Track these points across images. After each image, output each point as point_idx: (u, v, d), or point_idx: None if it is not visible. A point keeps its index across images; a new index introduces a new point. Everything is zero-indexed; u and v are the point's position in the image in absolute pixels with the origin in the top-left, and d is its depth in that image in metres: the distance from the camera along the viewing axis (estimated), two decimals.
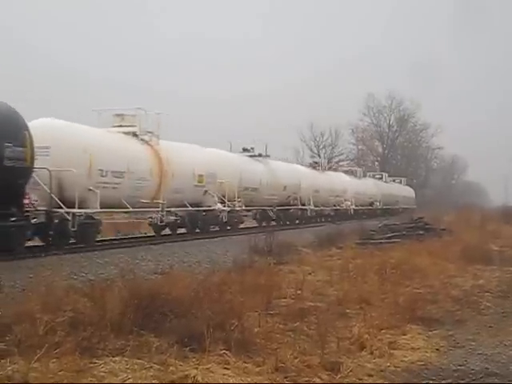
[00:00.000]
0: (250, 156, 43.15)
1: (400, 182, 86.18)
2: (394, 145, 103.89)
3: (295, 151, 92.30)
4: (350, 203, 59.68)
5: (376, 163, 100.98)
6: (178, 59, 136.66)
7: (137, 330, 9.97)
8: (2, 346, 9.03)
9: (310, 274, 17.20)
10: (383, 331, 11.27)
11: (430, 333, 11.74)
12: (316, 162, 62.26)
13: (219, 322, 10.05)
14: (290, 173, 47.44)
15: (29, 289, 12.87)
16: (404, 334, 11.40)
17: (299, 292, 13.78)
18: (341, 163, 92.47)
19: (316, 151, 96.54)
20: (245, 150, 43.41)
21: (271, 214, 44.39)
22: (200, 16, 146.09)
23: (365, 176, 73.28)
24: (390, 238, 28.80)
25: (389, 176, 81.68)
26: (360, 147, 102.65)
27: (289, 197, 46.65)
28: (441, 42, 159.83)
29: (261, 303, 12.20)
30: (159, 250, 23.54)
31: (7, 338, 9.29)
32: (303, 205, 48.89)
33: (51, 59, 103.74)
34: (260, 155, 43.94)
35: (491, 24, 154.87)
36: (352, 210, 59.76)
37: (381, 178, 77.52)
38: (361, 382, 8.68)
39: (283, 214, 46.08)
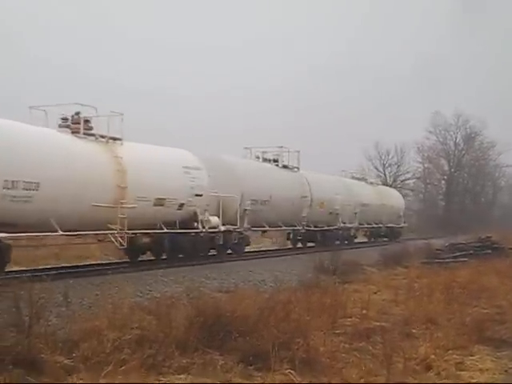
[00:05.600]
0: (271, 163, 35.64)
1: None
2: (461, 163, 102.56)
3: (360, 169, 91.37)
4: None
5: (442, 182, 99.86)
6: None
7: (202, 348, 10.02)
8: (70, 362, 9.15)
9: (375, 293, 17.09)
10: (450, 352, 11.12)
11: (498, 354, 11.54)
12: (359, 178, 49.68)
13: (284, 340, 10.04)
14: (326, 184, 40.31)
15: (95, 306, 13.06)
16: (471, 355, 11.23)
17: (364, 311, 13.68)
18: (406, 182, 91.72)
19: (382, 170, 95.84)
20: (265, 159, 35.61)
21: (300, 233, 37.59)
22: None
23: None
24: (456, 257, 28.49)
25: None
26: (426, 165, 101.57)
27: (330, 213, 39.91)
28: None
29: (326, 322, 12.17)
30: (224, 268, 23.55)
31: (74, 355, 9.42)
32: (343, 222, 41.32)
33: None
34: (285, 166, 36.13)
35: None
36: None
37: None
38: None
39: (320, 234, 38.81)
